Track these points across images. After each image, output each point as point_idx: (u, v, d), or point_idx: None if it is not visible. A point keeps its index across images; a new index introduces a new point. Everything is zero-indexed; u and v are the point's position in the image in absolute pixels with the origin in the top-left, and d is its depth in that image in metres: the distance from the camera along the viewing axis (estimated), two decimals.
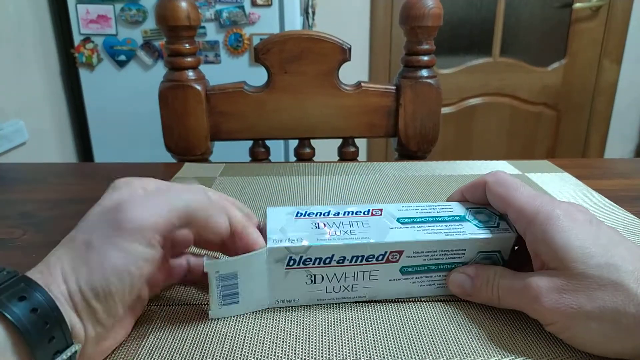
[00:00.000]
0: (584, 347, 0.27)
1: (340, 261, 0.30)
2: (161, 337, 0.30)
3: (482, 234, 0.32)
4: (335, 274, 0.31)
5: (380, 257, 0.31)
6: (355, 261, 0.31)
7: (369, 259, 0.31)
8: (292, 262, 0.30)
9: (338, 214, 0.33)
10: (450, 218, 0.33)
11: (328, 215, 0.33)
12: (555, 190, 0.53)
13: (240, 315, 0.32)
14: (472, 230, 0.32)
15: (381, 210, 0.33)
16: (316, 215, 0.33)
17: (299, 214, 0.33)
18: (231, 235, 0.30)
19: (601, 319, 0.26)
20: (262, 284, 0.31)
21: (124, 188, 0.29)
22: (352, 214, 0.33)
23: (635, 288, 0.25)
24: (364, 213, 0.33)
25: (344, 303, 0.33)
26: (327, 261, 0.30)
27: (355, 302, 0.33)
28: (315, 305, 0.33)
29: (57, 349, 0.23)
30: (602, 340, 0.26)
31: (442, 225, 0.32)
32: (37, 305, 0.22)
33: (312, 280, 0.31)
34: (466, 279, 0.32)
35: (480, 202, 0.34)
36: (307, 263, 0.30)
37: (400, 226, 0.32)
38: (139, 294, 0.27)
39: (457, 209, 0.34)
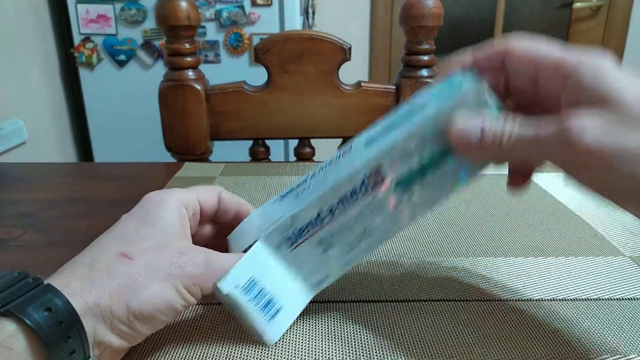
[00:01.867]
0: (624, 191, 0.22)
1: (332, 211, 0.27)
2: (161, 337, 0.30)
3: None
4: (339, 229, 0.28)
5: (364, 188, 0.27)
6: (345, 204, 0.27)
7: (353, 195, 0.27)
8: (290, 240, 0.29)
9: (313, 174, 0.30)
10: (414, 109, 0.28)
11: (305, 181, 0.31)
12: (555, 190, 0.53)
13: None
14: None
15: (351, 147, 0.30)
16: (296, 187, 0.31)
17: (282, 196, 0.31)
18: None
19: None
20: (286, 278, 0.29)
21: (170, 210, 0.30)
22: (325, 166, 0.30)
23: None
24: (336, 158, 0.30)
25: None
26: (321, 220, 0.28)
27: (360, 301, 0.33)
28: (315, 304, 0.33)
29: None
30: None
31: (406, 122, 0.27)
32: (62, 318, 0.22)
33: (324, 249, 0.28)
34: (474, 121, 0.25)
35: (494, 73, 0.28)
36: (304, 233, 0.28)
37: (367, 149, 0.28)
38: None
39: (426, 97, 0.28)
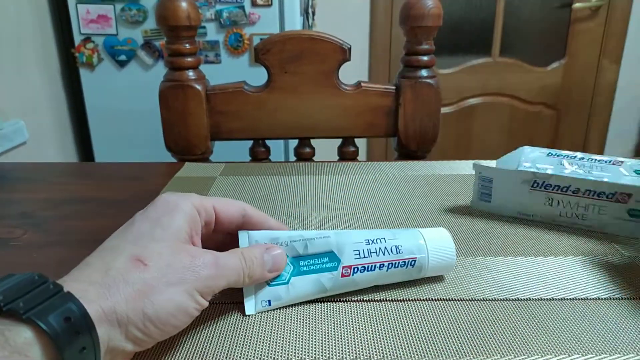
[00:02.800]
0: None
1: (575, 192, 0.38)
2: None
3: None
4: (569, 202, 0.38)
5: (610, 196, 0.38)
6: (588, 195, 0.36)
7: (600, 196, 0.36)
8: (535, 184, 0.39)
9: (583, 158, 0.41)
10: None
11: (574, 158, 0.42)
12: None
13: (240, 315, 0.32)
14: None
15: (622, 162, 0.41)
16: (564, 157, 0.42)
17: (550, 154, 0.43)
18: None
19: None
20: (510, 196, 0.42)
21: (183, 211, 0.31)
22: (595, 160, 0.41)
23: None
24: (605, 162, 0.41)
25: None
26: (565, 190, 0.38)
27: (359, 301, 0.33)
28: (315, 304, 0.33)
29: None
30: None
31: None
32: (78, 329, 0.22)
33: (549, 203, 0.39)
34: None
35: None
36: (547, 188, 0.39)
37: (635, 176, 0.39)
38: None
39: None
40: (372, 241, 0.33)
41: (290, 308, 0.33)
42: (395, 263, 0.33)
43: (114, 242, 0.29)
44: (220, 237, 0.34)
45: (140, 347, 0.26)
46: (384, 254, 0.32)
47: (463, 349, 0.29)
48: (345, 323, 0.31)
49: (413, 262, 0.33)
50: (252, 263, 0.30)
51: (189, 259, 0.28)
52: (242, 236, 0.33)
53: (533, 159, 0.43)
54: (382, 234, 0.34)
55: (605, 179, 0.39)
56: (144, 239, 0.28)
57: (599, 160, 0.42)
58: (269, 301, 0.32)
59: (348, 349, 0.29)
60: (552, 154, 0.43)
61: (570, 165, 0.41)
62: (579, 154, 0.43)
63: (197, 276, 0.27)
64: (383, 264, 0.32)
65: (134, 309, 0.25)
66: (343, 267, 0.32)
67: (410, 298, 0.34)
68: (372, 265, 0.32)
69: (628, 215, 0.39)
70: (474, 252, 0.40)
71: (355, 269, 0.32)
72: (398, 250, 0.33)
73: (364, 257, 0.32)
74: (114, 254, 0.27)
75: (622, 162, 0.41)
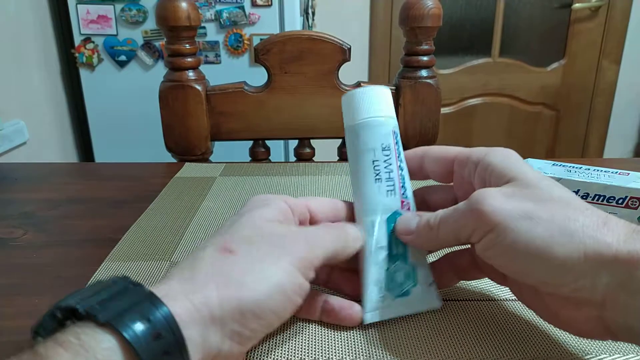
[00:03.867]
0: (525, 251, 0.24)
1: (584, 197, 0.36)
2: None
3: None
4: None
5: (621, 201, 0.35)
6: (598, 200, 0.34)
7: (610, 200, 0.34)
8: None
9: (588, 169, 0.40)
10: None
11: (580, 168, 0.41)
12: None
13: None
14: None
15: (628, 173, 0.40)
16: (569, 166, 0.42)
17: (555, 164, 0.42)
18: None
19: (550, 221, 0.24)
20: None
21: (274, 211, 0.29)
22: (601, 170, 0.41)
23: (584, 208, 0.25)
24: (612, 172, 0.40)
25: None
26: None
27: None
28: None
29: None
30: (547, 244, 0.24)
31: None
32: (160, 329, 0.20)
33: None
34: (414, 216, 0.30)
35: (412, 173, 0.33)
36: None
37: None
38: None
39: None
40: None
41: None
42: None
43: (202, 243, 0.27)
44: None
45: (242, 347, 0.24)
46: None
47: (463, 349, 0.29)
48: None
49: None
50: (340, 230, 0.29)
51: (277, 237, 0.26)
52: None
53: (539, 167, 0.43)
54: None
55: (613, 183, 0.38)
56: (230, 229, 0.27)
57: (604, 171, 0.41)
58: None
59: (348, 349, 0.29)
60: (557, 164, 0.43)
61: (577, 173, 0.41)
62: (583, 166, 0.42)
63: (289, 251, 0.26)
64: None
65: (227, 298, 0.23)
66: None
67: None
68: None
69: (638, 222, 0.38)
70: None
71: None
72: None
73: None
74: (202, 250, 0.26)
75: (628, 173, 0.41)
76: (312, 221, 0.31)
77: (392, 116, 0.32)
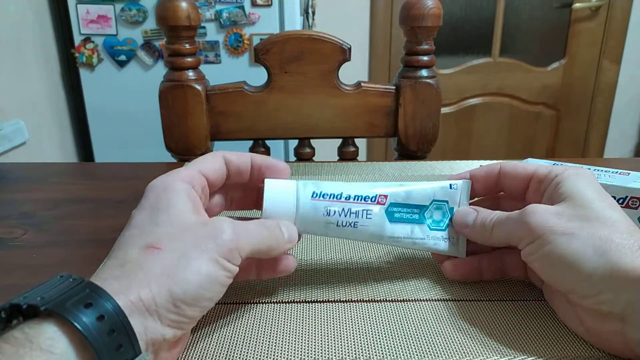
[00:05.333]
0: (558, 261, 0.28)
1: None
2: None
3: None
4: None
5: (621, 201, 0.37)
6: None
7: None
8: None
9: (589, 169, 0.37)
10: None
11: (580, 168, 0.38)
12: None
13: (241, 314, 0.32)
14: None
15: (629, 173, 0.40)
16: (570, 166, 0.38)
17: (556, 164, 0.38)
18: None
19: (587, 239, 0.27)
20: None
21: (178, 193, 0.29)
22: (601, 170, 0.41)
23: (628, 231, 0.28)
24: (612, 172, 0.41)
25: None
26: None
27: (360, 301, 0.33)
28: (316, 305, 0.33)
29: (125, 358, 0.22)
30: (578, 259, 0.27)
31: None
32: (103, 312, 0.22)
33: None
34: (472, 212, 0.34)
35: (487, 189, 0.36)
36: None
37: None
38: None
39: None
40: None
41: (291, 307, 0.33)
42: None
43: (120, 240, 0.28)
44: (218, 198, 0.34)
45: (182, 330, 0.25)
46: None
47: (463, 349, 0.29)
48: (346, 323, 0.31)
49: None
50: (272, 230, 0.30)
51: (202, 228, 0.27)
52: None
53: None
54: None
55: (615, 183, 0.38)
56: (148, 226, 0.27)
57: (605, 171, 0.41)
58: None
59: (348, 349, 0.29)
60: (557, 164, 0.43)
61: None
62: (584, 166, 0.42)
63: (218, 242, 0.26)
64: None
65: (160, 292, 0.24)
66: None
67: (410, 298, 0.34)
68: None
69: (638, 222, 0.38)
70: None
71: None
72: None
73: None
74: (124, 249, 0.26)
75: (628, 173, 0.40)
76: (210, 184, 0.32)
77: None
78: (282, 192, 0.33)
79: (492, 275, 0.35)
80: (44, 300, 0.21)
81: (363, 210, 0.33)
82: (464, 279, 0.35)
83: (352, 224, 0.33)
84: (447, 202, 0.35)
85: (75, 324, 0.21)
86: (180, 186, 0.29)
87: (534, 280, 0.35)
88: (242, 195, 0.35)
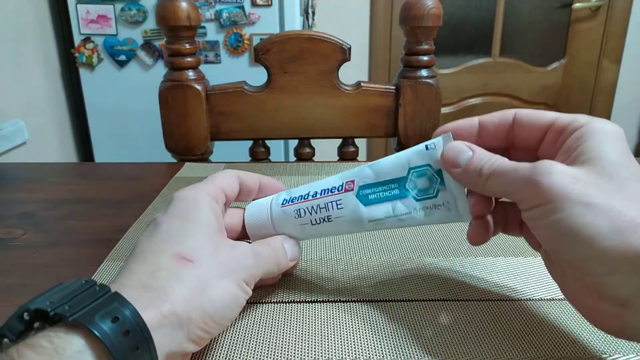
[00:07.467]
0: (567, 234, 0.24)
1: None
2: None
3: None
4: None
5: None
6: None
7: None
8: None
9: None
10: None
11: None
12: None
13: (241, 314, 0.32)
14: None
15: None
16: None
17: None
18: None
19: (604, 214, 0.23)
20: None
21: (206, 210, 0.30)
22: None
23: None
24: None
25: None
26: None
27: (360, 301, 0.33)
28: (315, 304, 0.33)
29: None
30: (591, 234, 0.23)
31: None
32: (129, 328, 0.22)
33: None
34: (466, 150, 0.28)
35: (498, 139, 0.30)
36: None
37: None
38: None
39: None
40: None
41: (291, 307, 0.33)
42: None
43: (145, 245, 0.28)
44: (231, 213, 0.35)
45: (199, 346, 0.26)
46: None
47: (463, 349, 0.29)
48: (346, 323, 0.31)
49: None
50: (278, 252, 0.31)
51: (230, 250, 0.29)
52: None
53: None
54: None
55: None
56: (178, 236, 0.28)
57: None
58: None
59: (348, 349, 0.29)
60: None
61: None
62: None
63: (242, 266, 0.28)
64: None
65: (194, 307, 0.25)
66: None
67: (410, 298, 0.34)
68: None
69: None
70: (474, 252, 0.40)
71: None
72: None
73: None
74: (154, 255, 0.26)
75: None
76: (227, 203, 0.33)
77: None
78: (257, 210, 0.34)
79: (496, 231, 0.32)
80: (72, 310, 0.22)
81: (332, 202, 0.32)
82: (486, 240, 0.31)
83: (326, 219, 0.32)
84: (429, 165, 0.30)
85: (105, 342, 0.21)
86: (207, 201, 0.30)
87: (530, 242, 0.31)
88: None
